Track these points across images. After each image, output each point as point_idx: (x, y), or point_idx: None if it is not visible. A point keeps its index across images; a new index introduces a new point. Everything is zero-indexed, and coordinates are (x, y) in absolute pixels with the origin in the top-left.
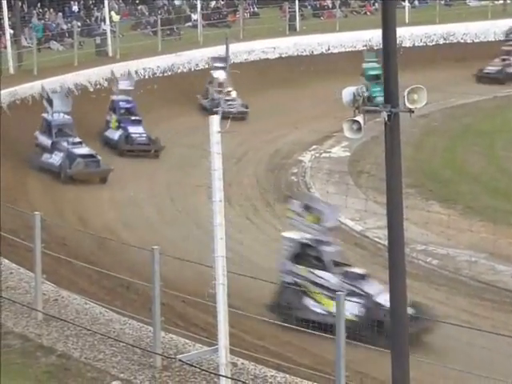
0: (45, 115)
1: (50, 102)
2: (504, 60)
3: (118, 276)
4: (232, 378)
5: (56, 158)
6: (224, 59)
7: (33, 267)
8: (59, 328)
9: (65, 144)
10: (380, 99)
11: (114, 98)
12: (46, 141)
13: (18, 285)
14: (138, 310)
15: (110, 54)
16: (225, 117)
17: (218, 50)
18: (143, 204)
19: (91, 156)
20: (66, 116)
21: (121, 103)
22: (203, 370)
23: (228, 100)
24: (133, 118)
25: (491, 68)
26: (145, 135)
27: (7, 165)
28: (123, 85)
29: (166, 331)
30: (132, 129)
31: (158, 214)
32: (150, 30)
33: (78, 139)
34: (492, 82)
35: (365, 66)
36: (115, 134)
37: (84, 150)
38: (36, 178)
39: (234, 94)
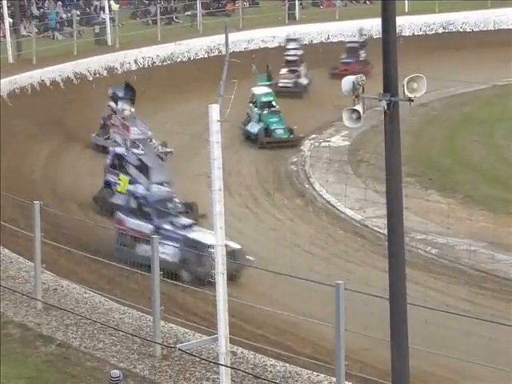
0: (131, 188)
1: (145, 169)
2: (293, 71)
3: (117, 265)
4: (232, 367)
5: (166, 251)
6: (130, 88)
7: (32, 256)
8: (59, 317)
9: (171, 228)
10: (280, 132)
11: (120, 151)
12: (140, 226)
13: (17, 274)
14: (137, 300)
15: (110, 43)
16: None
17: (218, 39)
18: None
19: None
20: (165, 188)
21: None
22: (203, 359)
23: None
24: None
25: (286, 81)
26: (178, 201)
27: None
28: (135, 133)
29: (165, 320)
30: None
31: None
32: (150, 18)
33: (186, 219)
34: (291, 95)
35: (255, 91)
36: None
37: (205, 235)
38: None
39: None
